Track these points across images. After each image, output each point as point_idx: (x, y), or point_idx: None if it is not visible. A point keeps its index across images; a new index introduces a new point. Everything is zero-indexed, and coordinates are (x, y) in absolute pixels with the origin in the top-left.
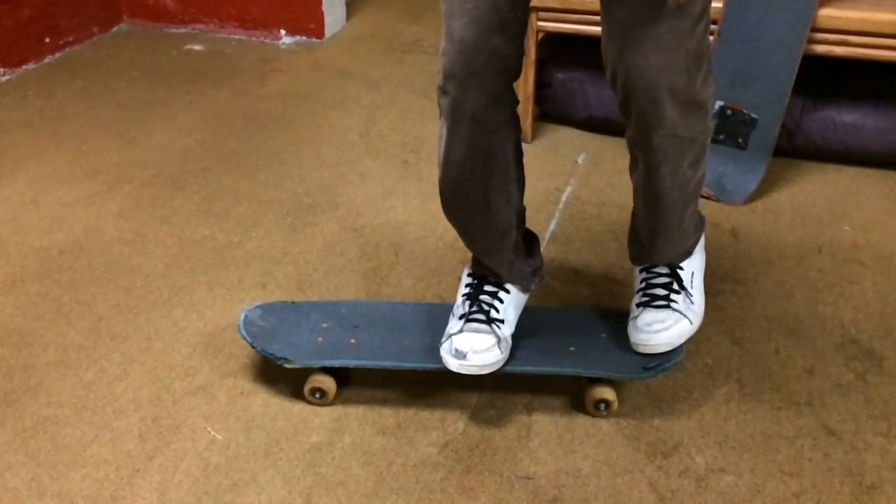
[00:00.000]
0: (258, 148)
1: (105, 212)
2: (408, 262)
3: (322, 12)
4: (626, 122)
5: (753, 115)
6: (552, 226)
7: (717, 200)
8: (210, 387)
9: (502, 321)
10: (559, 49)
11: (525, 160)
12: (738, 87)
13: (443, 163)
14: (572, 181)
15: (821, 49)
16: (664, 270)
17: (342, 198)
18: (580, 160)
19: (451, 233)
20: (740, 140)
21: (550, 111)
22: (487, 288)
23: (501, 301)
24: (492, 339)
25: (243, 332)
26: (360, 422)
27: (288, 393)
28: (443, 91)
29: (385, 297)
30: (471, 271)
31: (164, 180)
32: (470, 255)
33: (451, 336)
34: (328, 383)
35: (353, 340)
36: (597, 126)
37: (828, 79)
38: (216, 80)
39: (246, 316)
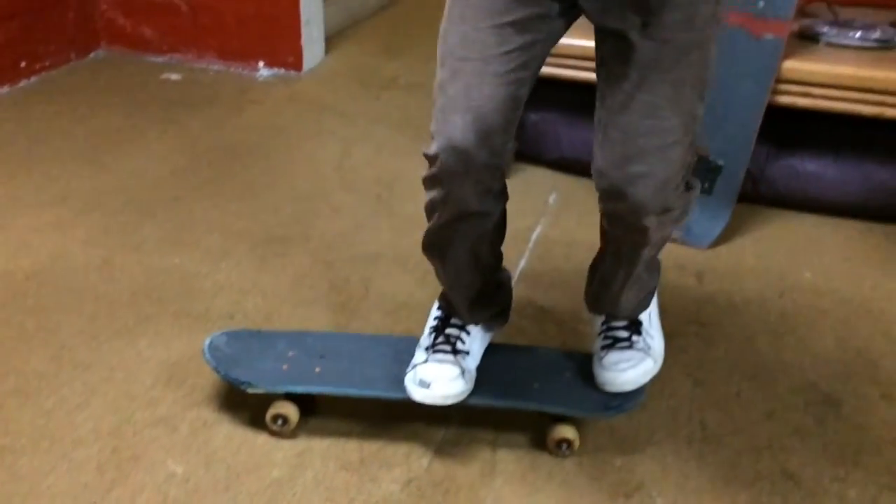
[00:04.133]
0: (232, 178)
1: (73, 238)
2: (377, 296)
3: (301, 46)
4: (605, 220)
5: (719, 162)
6: (522, 264)
7: (684, 243)
8: (172, 418)
9: (467, 353)
10: (531, 91)
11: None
12: (704, 135)
13: (432, 239)
14: (543, 220)
15: (785, 100)
16: (623, 323)
17: (314, 230)
18: (551, 200)
19: (421, 268)
20: (706, 185)
21: (523, 151)
22: (455, 321)
23: (468, 333)
24: (456, 370)
25: (208, 357)
26: (323, 457)
27: (251, 425)
28: (433, 182)
29: (354, 330)
30: (440, 304)
31: (134, 208)
32: (441, 289)
33: (415, 366)
34: (290, 410)
35: (318, 369)
36: (568, 167)
37: (791, 129)
38: (192, 110)
39: (211, 341)
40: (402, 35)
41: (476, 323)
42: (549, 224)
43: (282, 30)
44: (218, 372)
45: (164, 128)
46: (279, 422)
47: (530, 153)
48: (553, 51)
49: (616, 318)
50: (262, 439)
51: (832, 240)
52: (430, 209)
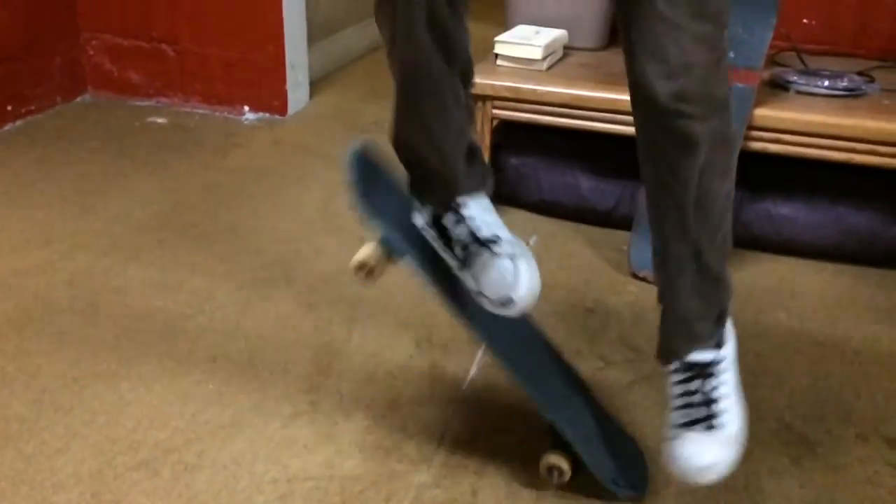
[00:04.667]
0: (216, 221)
1: (57, 280)
2: (360, 338)
3: (286, 90)
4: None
5: None
6: None
7: None
8: (153, 462)
9: (499, 238)
10: (512, 136)
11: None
12: None
13: (399, 58)
14: None
15: (757, 146)
16: (696, 385)
17: (298, 273)
18: (531, 242)
19: (403, 310)
20: None
21: (503, 194)
22: (449, 221)
23: (473, 218)
24: (507, 261)
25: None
26: (305, 499)
27: (233, 469)
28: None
29: (336, 372)
30: (425, 221)
31: (118, 250)
32: (415, 210)
33: (478, 293)
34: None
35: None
36: (548, 210)
37: (764, 173)
38: (177, 153)
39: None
40: (386, 79)
41: (475, 188)
42: None
43: (267, 74)
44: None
45: (149, 171)
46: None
47: (510, 196)
48: (532, 97)
49: (687, 347)
50: (242, 483)
51: (807, 282)
52: (390, 49)
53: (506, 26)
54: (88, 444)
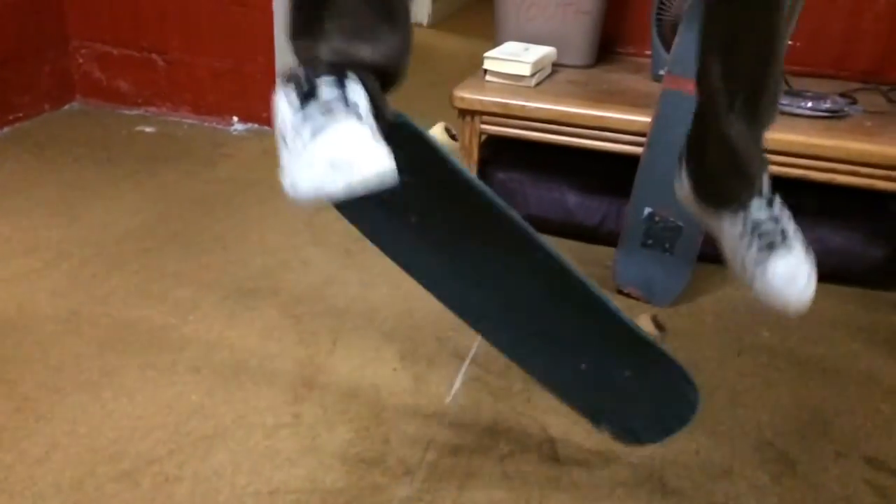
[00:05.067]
0: (203, 231)
1: (40, 289)
2: (345, 350)
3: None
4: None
5: (679, 223)
6: None
7: (647, 301)
8: (135, 472)
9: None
10: (500, 151)
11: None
12: (665, 196)
13: None
14: None
15: None
16: (767, 213)
17: (283, 284)
18: None
19: (388, 323)
20: (667, 245)
21: None
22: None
23: (358, 81)
24: (367, 131)
25: None
26: None
27: (214, 481)
28: None
29: (320, 384)
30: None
31: (103, 259)
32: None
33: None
34: None
35: None
36: (534, 225)
37: None
38: (165, 162)
39: None
40: None
41: (376, 57)
42: None
43: (256, 85)
44: None
45: (136, 180)
46: None
47: None
48: (520, 113)
49: (748, 190)
50: (223, 496)
51: None
52: None
53: (495, 42)
54: (69, 454)
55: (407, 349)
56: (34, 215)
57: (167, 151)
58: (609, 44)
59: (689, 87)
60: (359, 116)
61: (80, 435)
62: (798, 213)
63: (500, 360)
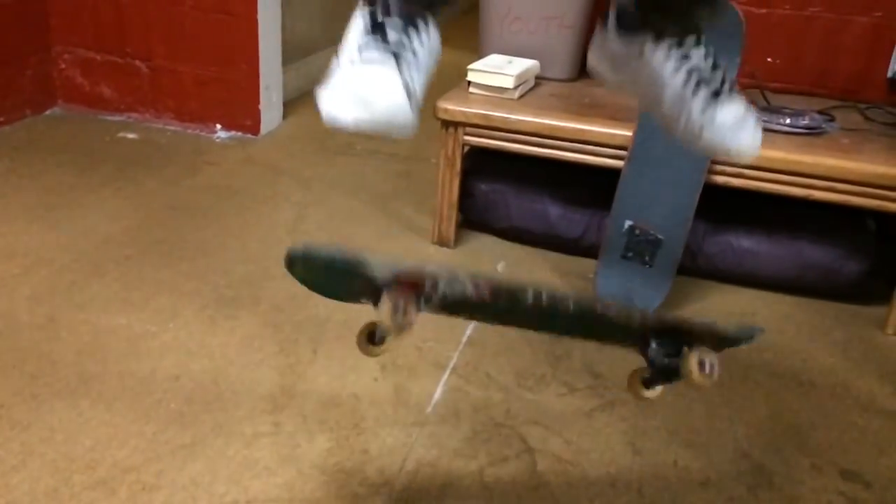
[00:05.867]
0: (184, 238)
1: (18, 295)
2: (325, 359)
3: (259, 110)
4: None
5: (659, 236)
6: (469, 330)
7: None
8: (111, 481)
9: (415, 55)
10: (483, 162)
11: (448, 264)
12: (645, 210)
13: None
14: None
15: (720, 179)
16: (703, 49)
17: (265, 292)
18: (500, 267)
19: None
20: (647, 258)
21: (473, 219)
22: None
23: (417, 30)
24: (396, 77)
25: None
26: None
27: (191, 490)
28: None
29: (300, 392)
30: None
31: (83, 266)
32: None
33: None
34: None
35: None
36: (516, 236)
37: (727, 207)
38: (147, 169)
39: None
40: None
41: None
42: None
43: (241, 93)
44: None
45: (118, 186)
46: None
47: (480, 221)
48: (503, 125)
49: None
50: None
51: (766, 313)
52: None
53: (479, 55)
54: (45, 462)
55: (387, 359)
56: (12, 221)
57: (149, 158)
58: None
59: None
60: (404, 64)
61: (56, 442)
62: (777, 228)
63: (480, 370)
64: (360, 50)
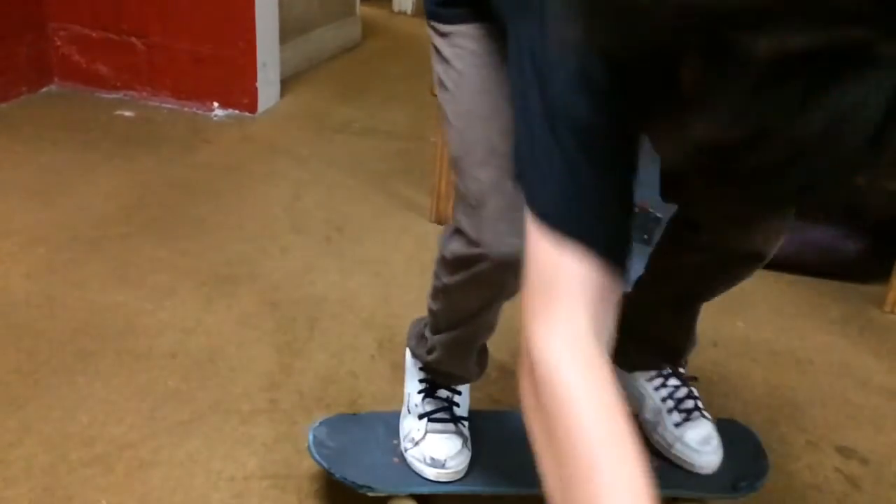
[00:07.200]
0: (181, 216)
1: (14, 273)
2: (322, 337)
3: (256, 88)
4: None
5: (658, 214)
6: None
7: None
8: (108, 457)
9: (465, 418)
10: None
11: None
12: (645, 188)
13: (458, 316)
14: None
15: None
16: (677, 382)
17: (262, 270)
18: None
19: (367, 310)
20: (646, 236)
21: None
22: (442, 393)
23: (460, 394)
24: (460, 442)
25: (317, 457)
26: (261, 498)
27: (188, 467)
28: (475, 281)
29: (297, 370)
30: (423, 366)
31: (80, 244)
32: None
33: (416, 442)
34: None
35: None
36: None
37: None
38: (144, 147)
39: (314, 437)
40: (357, 80)
41: (475, 379)
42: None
43: (238, 71)
44: (332, 474)
45: (114, 164)
46: None
47: None
48: None
49: (663, 368)
50: (198, 481)
51: (764, 292)
52: (458, 290)
53: None
54: (42, 439)
55: (385, 336)
56: (10, 198)
57: (146, 136)
58: None
59: None
60: (460, 426)
61: (53, 419)
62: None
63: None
64: (422, 417)
